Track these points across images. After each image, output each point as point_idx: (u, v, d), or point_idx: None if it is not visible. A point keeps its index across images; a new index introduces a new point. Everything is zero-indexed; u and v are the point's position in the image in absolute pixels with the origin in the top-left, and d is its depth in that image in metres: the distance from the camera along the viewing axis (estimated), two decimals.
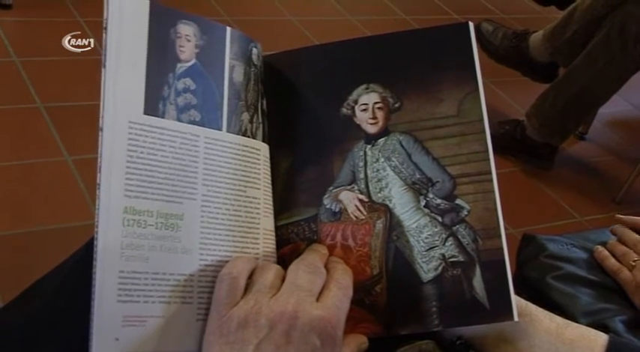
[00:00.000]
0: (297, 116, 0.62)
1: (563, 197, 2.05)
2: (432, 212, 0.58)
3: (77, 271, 0.63)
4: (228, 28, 0.60)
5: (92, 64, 1.97)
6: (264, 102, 0.62)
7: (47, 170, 1.62)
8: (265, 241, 0.58)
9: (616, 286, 0.84)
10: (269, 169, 0.60)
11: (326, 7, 2.62)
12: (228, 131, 0.58)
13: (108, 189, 0.50)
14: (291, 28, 2.41)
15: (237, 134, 0.58)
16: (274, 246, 0.59)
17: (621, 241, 0.88)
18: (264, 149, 0.60)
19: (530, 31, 2.24)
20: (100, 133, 0.51)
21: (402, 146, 0.60)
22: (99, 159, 0.50)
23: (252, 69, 0.61)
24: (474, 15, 2.79)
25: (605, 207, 2.04)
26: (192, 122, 0.56)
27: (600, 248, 0.88)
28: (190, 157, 0.55)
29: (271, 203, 0.60)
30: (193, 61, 0.57)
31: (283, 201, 0.60)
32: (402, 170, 0.59)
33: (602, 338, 0.60)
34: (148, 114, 0.53)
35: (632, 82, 2.04)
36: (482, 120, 0.59)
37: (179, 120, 0.55)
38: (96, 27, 2.08)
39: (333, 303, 0.52)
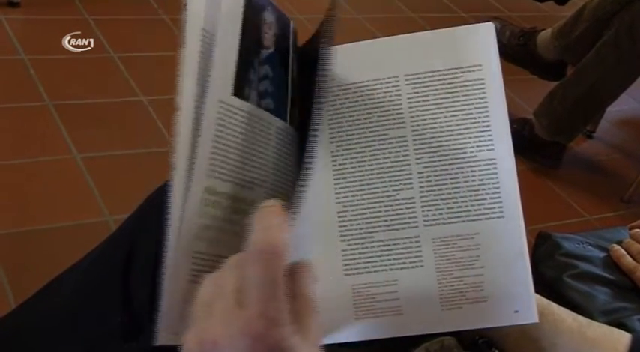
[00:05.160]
0: None
1: (571, 195, 2.05)
2: None
3: (96, 269, 0.63)
4: (291, 21, 0.58)
5: (99, 62, 1.97)
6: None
7: (56, 168, 1.62)
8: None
9: (632, 285, 0.84)
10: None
11: None
12: (290, 124, 0.56)
13: (189, 167, 0.48)
14: (299, 26, 2.40)
15: (295, 129, 0.57)
16: None
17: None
18: None
19: (537, 30, 2.23)
20: (177, 113, 0.48)
21: None
22: (175, 139, 0.48)
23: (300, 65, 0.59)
24: (482, 13, 2.78)
25: (614, 206, 2.03)
26: (268, 110, 0.54)
27: (616, 246, 0.88)
28: (265, 145, 0.53)
29: None
30: (272, 50, 0.55)
31: None
32: None
33: (625, 337, 0.60)
34: (235, 96, 0.51)
35: None
36: None
37: (259, 106, 0.53)
38: (103, 25, 2.08)
39: None
